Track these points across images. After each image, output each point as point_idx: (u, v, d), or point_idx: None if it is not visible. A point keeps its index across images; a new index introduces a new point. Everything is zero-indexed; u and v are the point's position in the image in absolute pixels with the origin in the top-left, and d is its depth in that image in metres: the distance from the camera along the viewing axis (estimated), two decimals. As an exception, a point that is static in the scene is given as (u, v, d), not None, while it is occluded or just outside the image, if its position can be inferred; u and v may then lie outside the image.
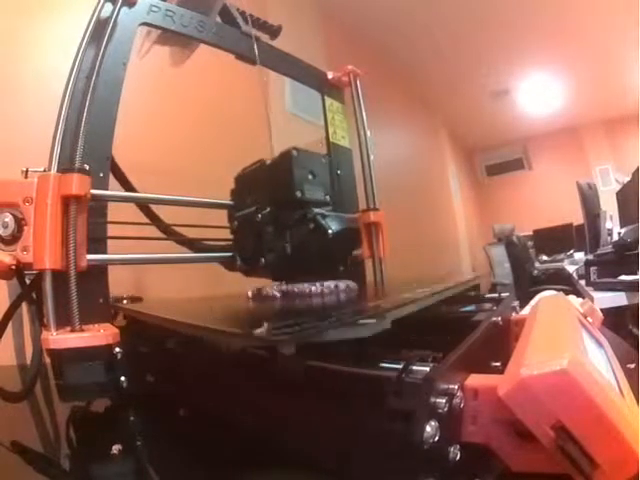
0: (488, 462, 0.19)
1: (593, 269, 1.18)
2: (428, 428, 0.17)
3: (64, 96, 0.39)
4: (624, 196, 1.64)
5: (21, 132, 0.71)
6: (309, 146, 0.49)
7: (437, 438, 0.17)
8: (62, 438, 0.36)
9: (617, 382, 0.20)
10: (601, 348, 0.26)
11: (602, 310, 0.35)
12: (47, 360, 0.35)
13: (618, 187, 2.02)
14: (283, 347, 0.22)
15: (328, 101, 0.68)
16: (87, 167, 0.37)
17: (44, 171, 0.37)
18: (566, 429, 0.16)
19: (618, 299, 0.98)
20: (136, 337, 0.41)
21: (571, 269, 1.80)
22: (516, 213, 3.79)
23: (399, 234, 0.93)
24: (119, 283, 0.48)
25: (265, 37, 0.61)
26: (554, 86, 2.98)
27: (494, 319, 0.31)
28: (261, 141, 0.58)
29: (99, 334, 0.34)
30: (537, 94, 3.09)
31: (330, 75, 0.69)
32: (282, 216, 0.46)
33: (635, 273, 0.98)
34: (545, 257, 3.11)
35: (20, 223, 0.35)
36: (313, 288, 0.43)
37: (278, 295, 0.44)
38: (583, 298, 0.36)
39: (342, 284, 0.45)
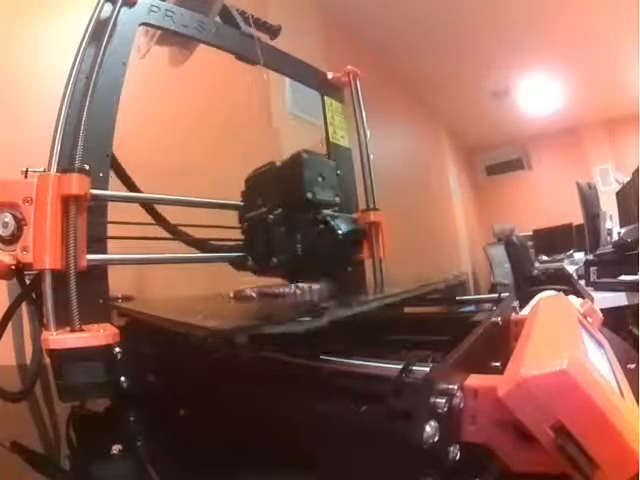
0: (488, 462, 0.19)
1: (593, 269, 1.18)
2: (428, 428, 0.17)
3: (64, 96, 0.39)
4: (624, 196, 1.64)
5: (21, 132, 0.71)
6: (308, 146, 0.49)
7: (437, 438, 0.17)
8: (62, 438, 0.36)
9: (617, 382, 0.20)
10: (601, 348, 0.26)
11: (602, 310, 0.35)
12: (47, 360, 0.35)
13: (618, 187, 2.02)
14: (236, 337, 0.24)
15: (328, 101, 0.68)
16: (87, 167, 0.37)
17: (44, 171, 0.37)
18: (566, 429, 0.16)
19: (618, 299, 0.98)
20: (129, 335, 0.41)
21: (571, 269, 1.81)
22: (516, 213, 3.79)
23: (399, 234, 0.93)
24: (122, 282, 0.48)
25: (265, 37, 0.61)
26: (554, 86, 2.98)
27: (494, 319, 0.31)
28: (262, 141, 0.58)
29: (99, 334, 0.34)
30: (537, 94, 3.09)
31: (330, 75, 0.69)
32: (293, 217, 0.47)
33: (635, 273, 0.98)
34: (545, 257, 3.11)
35: (20, 223, 0.35)
36: (287, 290, 0.44)
37: (255, 296, 0.45)
38: (583, 298, 0.36)
39: (316, 286, 0.46)
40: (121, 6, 0.43)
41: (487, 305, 0.42)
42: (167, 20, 0.49)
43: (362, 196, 0.66)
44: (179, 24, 0.50)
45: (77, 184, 0.36)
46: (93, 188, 0.38)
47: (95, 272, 0.39)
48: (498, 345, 0.30)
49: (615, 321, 0.87)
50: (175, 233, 0.58)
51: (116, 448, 0.28)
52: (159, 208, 0.59)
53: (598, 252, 1.31)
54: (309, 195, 0.44)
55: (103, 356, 0.33)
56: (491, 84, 2.88)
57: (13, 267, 0.35)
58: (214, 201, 0.55)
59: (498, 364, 0.26)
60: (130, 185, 0.54)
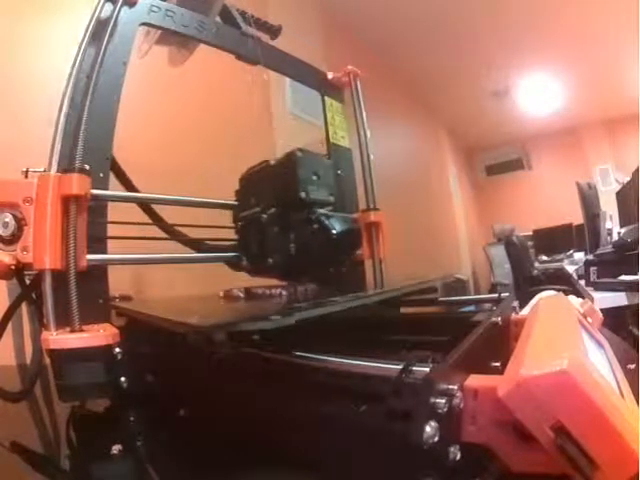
0: (488, 462, 0.19)
1: (593, 269, 1.18)
2: (428, 428, 0.17)
3: (64, 96, 0.39)
4: (624, 196, 1.64)
5: (21, 132, 0.71)
6: (309, 146, 0.49)
7: (437, 438, 0.17)
8: (62, 438, 0.36)
9: (617, 383, 0.20)
10: (601, 348, 0.26)
11: (602, 310, 0.35)
12: (47, 360, 0.35)
13: (618, 187, 2.02)
14: (214, 333, 0.25)
15: (328, 101, 0.68)
16: (87, 167, 0.37)
17: (44, 171, 0.37)
18: (566, 429, 0.16)
19: (618, 299, 0.98)
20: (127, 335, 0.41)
21: (571, 269, 1.81)
22: (516, 213, 3.79)
23: (399, 234, 0.93)
24: (120, 282, 0.48)
25: (265, 37, 0.61)
26: (554, 86, 2.98)
27: (494, 319, 0.31)
28: (262, 141, 0.58)
29: (99, 334, 0.34)
30: (537, 94, 3.09)
31: (330, 75, 0.69)
32: (287, 216, 0.46)
33: (635, 273, 0.98)
34: (545, 257, 3.11)
35: (20, 223, 0.35)
36: (273, 291, 0.45)
37: (242, 296, 0.46)
38: (583, 298, 0.36)
39: (301, 288, 0.46)
40: (121, 6, 0.43)
41: (487, 305, 0.42)
42: (167, 20, 0.49)
43: (362, 196, 0.66)
44: (179, 24, 0.50)
45: (77, 184, 0.36)
46: (93, 188, 0.38)
47: (95, 272, 0.39)
48: (498, 345, 0.30)
49: (615, 321, 0.86)
50: (172, 233, 0.58)
51: (116, 448, 0.28)
52: (157, 208, 0.59)
53: (598, 252, 1.31)
54: (303, 194, 0.44)
55: (103, 356, 0.33)
56: (491, 84, 2.88)
57: (13, 267, 0.35)
58: (218, 201, 0.55)
59: (498, 364, 0.26)
60: (128, 185, 0.54)
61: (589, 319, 0.30)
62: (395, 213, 0.83)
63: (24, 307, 0.44)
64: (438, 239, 2.76)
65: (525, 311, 0.38)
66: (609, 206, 1.80)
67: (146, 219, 0.57)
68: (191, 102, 1.04)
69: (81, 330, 0.34)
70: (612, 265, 1.12)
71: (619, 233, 1.54)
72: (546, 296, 0.37)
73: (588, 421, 0.16)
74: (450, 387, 0.19)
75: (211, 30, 0.53)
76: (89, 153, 0.38)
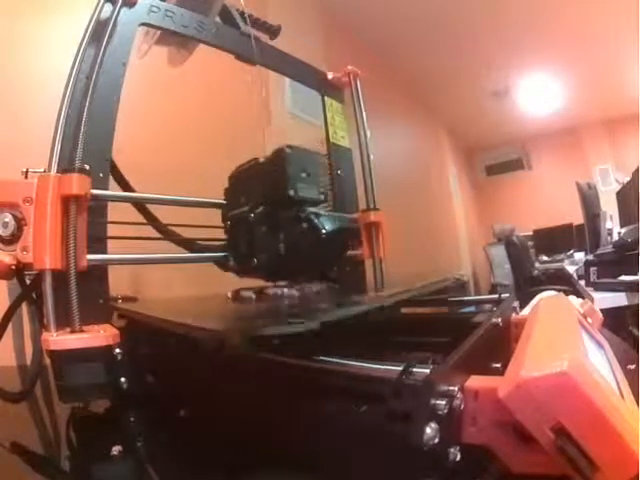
0: (488, 464, 0.19)
1: (593, 269, 1.18)
2: (428, 430, 0.17)
3: (64, 96, 0.39)
4: (624, 196, 1.64)
5: (21, 132, 0.71)
6: (309, 146, 0.49)
7: (437, 440, 0.17)
8: (62, 439, 0.36)
9: (617, 383, 0.20)
10: (601, 349, 0.26)
11: (602, 310, 0.35)
12: (47, 361, 0.35)
13: (618, 187, 2.02)
14: (232, 338, 0.24)
15: (328, 101, 0.68)
16: (87, 167, 0.37)
17: (44, 171, 0.37)
18: (566, 431, 0.16)
19: (618, 299, 0.98)
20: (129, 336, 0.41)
21: (571, 269, 1.81)
22: (516, 213, 3.79)
23: (399, 234, 0.93)
24: (119, 283, 0.48)
25: (265, 37, 0.61)
26: (554, 86, 2.98)
27: (494, 320, 0.31)
28: (261, 141, 0.58)
29: (99, 335, 0.34)
30: (537, 94, 3.09)
31: (330, 75, 0.69)
32: (275, 215, 0.45)
33: (635, 273, 0.98)
34: (545, 257, 3.11)
35: (20, 223, 0.35)
36: (285, 291, 0.44)
37: (253, 297, 0.45)
38: (583, 299, 0.36)
39: (315, 287, 0.46)
40: (121, 6, 0.43)
41: (487, 306, 0.42)
42: (167, 20, 0.49)
43: (362, 196, 0.66)
44: (179, 24, 0.50)
45: (77, 184, 0.36)
46: (93, 188, 0.38)
47: (95, 272, 0.39)
48: (498, 346, 0.30)
49: (615, 321, 0.86)
50: (165, 233, 0.58)
51: (116, 449, 0.28)
52: (155, 208, 0.59)
53: (598, 252, 1.31)
54: (291, 192, 0.42)
55: (103, 357, 0.33)
56: (491, 84, 2.88)
57: (13, 267, 0.35)
58: (207, 200, 0.54)
59: (499, 365, 0.26)
60: (124, 185, 0.54)
61: (589, 319, 0.30)
62: (395, 213, 0.83)
63: (24, 307, 0.43)
64: (438, 239, 2.76)
65: (525, 312, 0.38)
66: (609, 206, 1.80)
67: (141, 219, 0.57)
68: (190, 102, 1.03)
69: (81, 331, 0.34)
70: (612, 265, 1.12)
71: (619, 233, 1.54)
72: (546, 296, 0.37)
73: (588, 422, 0.16)
74: (450, 388, 0.19)
75: (211, 30, 0.53)
76: (89, 153, 0.38)
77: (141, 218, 0.57)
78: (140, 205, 0.57)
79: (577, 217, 2.09)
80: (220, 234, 0.55)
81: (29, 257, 0.35)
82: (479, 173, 4.28)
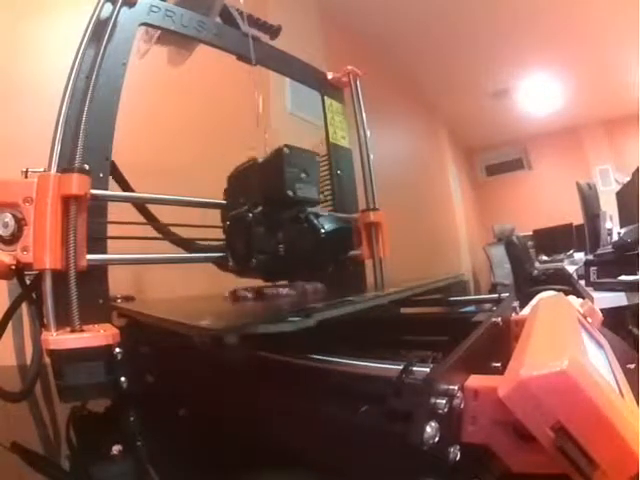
0: (488, 463, 0.19)
1: (593, 269, 1.18)
2: (428, 429, 0.17)
3: (64, 96, 0.39)
4: (624, 196, 1.64)
5: (22, 132, 0.71)
6: (308, 147, 0.49)
7: (437, 439, 0.17)
8: (62, 438, 0.36)
9: (617, 383, 0.20)
10: (601, 349, 0.26)
11: (602, 310, 0.35)
12: (47, 360, 0.35)
13: (618, 187, 2.02)
14: (227, 336, 0.24)
15: (328, 101, 0.68)
16: (87, 167, 0.37)
17: (44, 171, 0.37)
18: (566, 430, 0.16)
19: (618, 299, 0.98)
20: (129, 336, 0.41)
21: (571, 269, 1.80)
22: (516, 213, 3.79)
23: (399, 234, 0.93)
24: (118, 283, 0.48)
25: (265, 37, 0.61)
26: (554, 86, 2.98)
27: (494, 319, 0.31)
28: (261, 141, 0.58)
29: (99, 334, 0.34)
30: (537, 94, 3.09)
31: (330, 75, 0.69)
32: (274, 215, 0.45)
33: (635, 273, 0.98)
34: (545, 257, 3.11)
35: (20, 223, 0.35)
36: (282, 290, 0.44)
37: (250, 296, 0.45)
38: (583, 298, 0.36)
39: (314, 286, 0.46)
40: (121, 6, 0.43)
41: (487, 305, 0.42)
42: (167, 20, 0.49)
43: (362, 196, 0.66)
44: (179, 24, 0.50)
45: (77, 184, 0.36)
46: (93, 188, 0.38)
47: (95, 272, 0.39)
48: (498, 345, 0.30)
49: (615, 321, 0.87)
50: (165, 233, 0.58)
51: (116, 448, 0.28)
52: (156, 208, 0.59)
53: (598, 252, 1.31)
54: (290, 192, 0.42)
55: (103, 356, 0.33)
56: (491, 84, 2.88)
57: (13, 267, 0.35)
58: (206, 200, 0.54)
59: (498, 364, 0.26)
60: (124, 184, 0.54)
61: (589, 319, 0.30)
62: (395, 213, 0.83)
63: (24, 307, 0.43)
64: (438, 239, 2.76)
65: (525, 311, 0.38)
66: (609, 206, 1.80)
67: (141, 219, 0.57)
68: (190, 102, 1.03)
69: (81, 330, 0.34)
70: (612, 265, 1.12)
71: (619, 233, 1.54)
72: (546, 296, 0.37)
73: (588, 421, 0.16)
74: (450, 387, 0.19)
75: (211, 30, 0.53)
76: (89, 153, 0.38)
77: (141, 218, 0.57)
78: (140, 205, 0.57)
79: (577, 217, 2.09)
80: (219, 234, 0.55)
81: (29, 257, 0.35)
82: (479, 173, 4.28)
